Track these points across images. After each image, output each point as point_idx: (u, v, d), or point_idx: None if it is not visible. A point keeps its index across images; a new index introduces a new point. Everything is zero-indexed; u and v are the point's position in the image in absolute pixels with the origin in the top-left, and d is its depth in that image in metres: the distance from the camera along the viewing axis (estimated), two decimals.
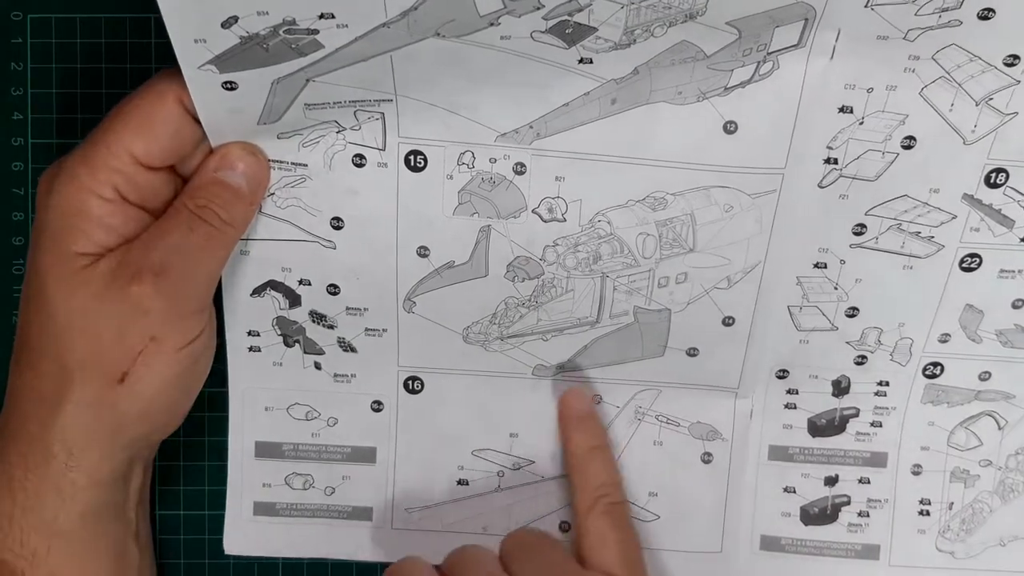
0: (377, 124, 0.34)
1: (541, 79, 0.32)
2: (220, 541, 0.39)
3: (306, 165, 0.35)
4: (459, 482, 0.39)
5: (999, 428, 0.39)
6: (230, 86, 0.31)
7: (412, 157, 0.34)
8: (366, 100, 0.33)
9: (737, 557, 0.40)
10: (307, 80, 0.31)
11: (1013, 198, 0.34)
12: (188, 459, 0.40)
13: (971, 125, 0.32)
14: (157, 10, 0.32)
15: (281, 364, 0.38)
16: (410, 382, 0.39)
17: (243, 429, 0.39)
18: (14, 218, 0.38)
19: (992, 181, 0.34)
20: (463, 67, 0.31)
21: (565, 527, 0.40)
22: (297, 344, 0.38)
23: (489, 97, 0.33)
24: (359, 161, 0.34)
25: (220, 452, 0.39)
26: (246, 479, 0.39)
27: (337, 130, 0.34)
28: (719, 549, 0.40)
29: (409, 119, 0.33)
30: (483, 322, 0.37)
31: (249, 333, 0.38)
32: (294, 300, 0.37)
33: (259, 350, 0.38)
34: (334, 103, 0.33)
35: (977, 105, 0.32)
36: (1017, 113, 0.32)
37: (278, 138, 0.34)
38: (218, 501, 0.39)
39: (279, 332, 0.38)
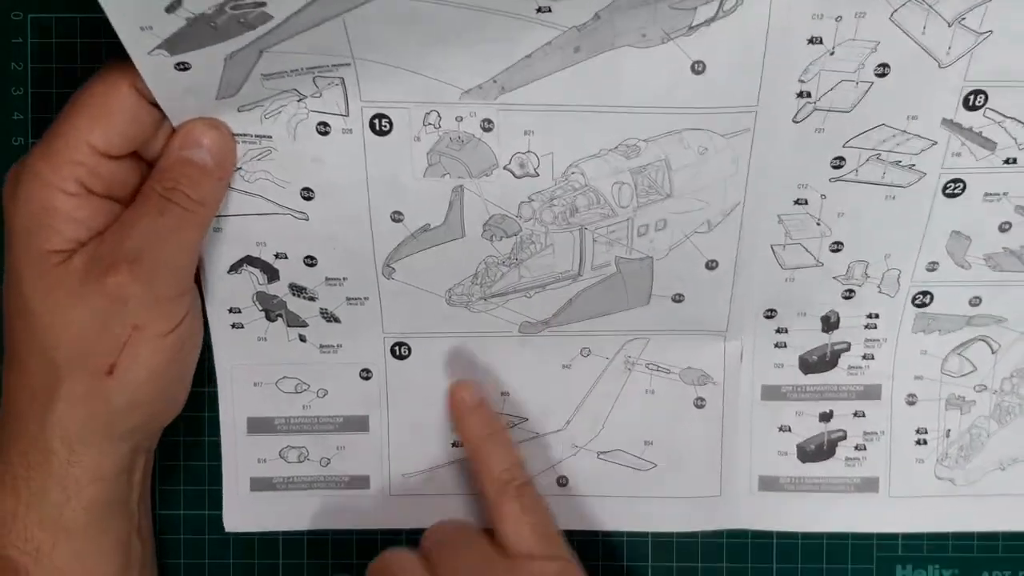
0: (338, 90, 0.33)
1: (500, 32, 0.31)
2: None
3: (270, 137, 0.34)
4: (454, 444, 0.40)
5: (992, 352, 0.39)
6: (183, 66, 0.30)
7: (377, 121, 0.34)
8: (323, 66, 0.32)
9: (737, 499, 0.40)
10: (260, 52, 0.30)
11: (993, 119, 0.33)
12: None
13: (945, 47, 0.32)
14: None
15: (265, 339, 0.38)
16: (397, 348, 0.38)
17: (233, 406, 0.39)
18: None
19: (971, 103, 0.33)
20: (418, 25, 0.31)
21: (563, 481, 0.40)
22: (280, 318, 0.38)
23: (449, 54, 0.32)
24: (323, 129, 0.34)
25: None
26: (240, 456, 0.39)
27: (298, 99, 0.33)
28: (718, 492, 0.40)
29: (370, 82, 0.33)
30: (465, 283, 0.37)
31: (230, 310, 0.38)
32: (272, 274, 0.37)
33: (242, 327, 0.38)
34: (291, 71, 0.32)
35: (950, 26, 0.31)
36: (992, 31, 0.32)
37: (239, 111, 0.34)
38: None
39: (260, 307, 0.38)
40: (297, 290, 0.37)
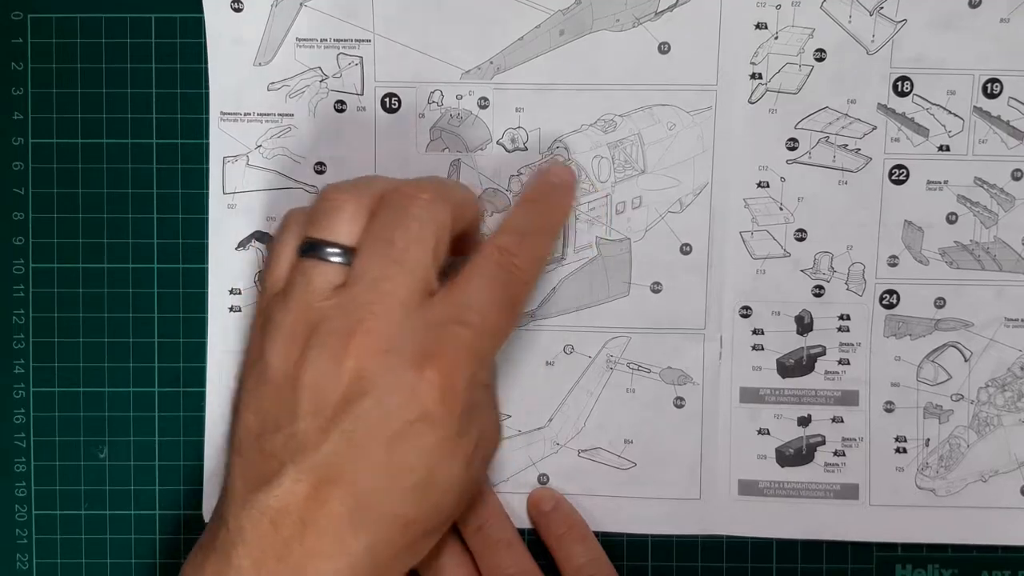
0: (356, 70, 0.41)
1: (499, 14, 0.39)
2: None
3: (292, 115, 0.41)
4: None
5: (965, 360, 0.42)
6: (237, 5, 0.38)
7: (387, 99, 0.41)
8: (348, 40, 0.40)
9: (716, 503, 0.41)
10: (301, 4, 0.38)
11: (922, 106, 0.40)
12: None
13: (870, 35, 0.40)
14: (157, 10, 0.40)
15: None
16: None
17: (220, 397, 0.41)
18: (14, 218, 0.41)
19: (900, 89, 0.40)
20: (433, 2, 0.39)
21: (544, 479, 0.41)
22: None
23: (455, 35, 0.40)
24: (340, 107, 0.41)
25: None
26: (225, 448, 0.41)
27: (320, 79, 0.41)
28: (698, 496, 0.41)
29: (385, 63, 0.40)
30: (457, 262, 0.41)
31: (231, 292, 0.42)
32: None
33: (239, 310, 0.42)
34: (320, 40, 0.40)
35: (871, 15, 0.39)
36: (906, 20, 0.40)
37: (268, 90, 0.41)
38: None
39: (260, 289, 0.42)
40: None
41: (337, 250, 0.34)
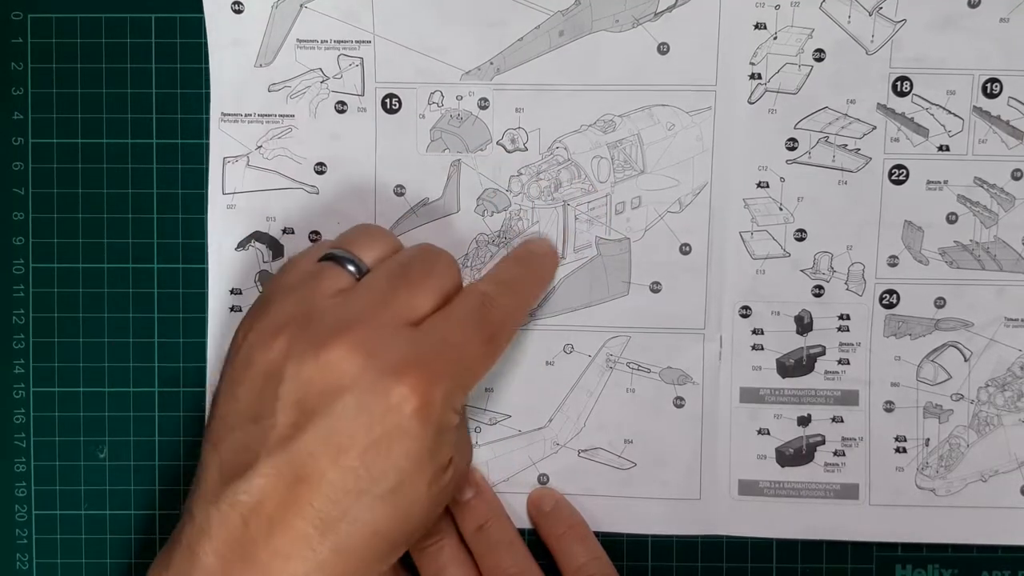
0: (357, 71, 0.42)
1: (499, 15, 0.40)
2: None
3: (293, 116, 0.42)
4: None
5: (965, 360, 0.43)
6: (237, 7, 0.39)
7: (388, 100, 0.42)
8: (348, 41, 0.41)
9: (716, 503, 0.41)
10: (301, 5, 0.39)
11: (921, 106, 0.41)
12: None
13: (869, 35, 0.40)
14: (157, 10, 0.41)
15: None
16: None
17: None
18: (14, 218, 0.42)
19: (899, 89, 0.41)
20: (434, 3, 0.40)
21: (544, 479, 0.42)
22: None
23: (455, 36, 0.41)
24: (340, 108, 0.42)
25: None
26: None
27: (321, 80, 0.42)
28: (698, 496, 0.42)
29: (385, 64, 0.41)
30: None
31: (231, 292, 0.43)
32: (277, 251, 0.43)
33: (240, 309, 0.43)
34: (321, 41, 0.41)
35: (870, 15, 0.40)
36: (905, 20, 0.40)
37: (269, 91, 0.42)
38: None
39: (261, 288, 0.43)
40: None
41: (354, 263, 0.35)
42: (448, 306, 0.36)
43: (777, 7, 0.40)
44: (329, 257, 0.36)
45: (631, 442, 0.42)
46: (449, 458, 0.35)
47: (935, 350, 0.42)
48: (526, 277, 0.40)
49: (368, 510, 0.32)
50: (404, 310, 0.34)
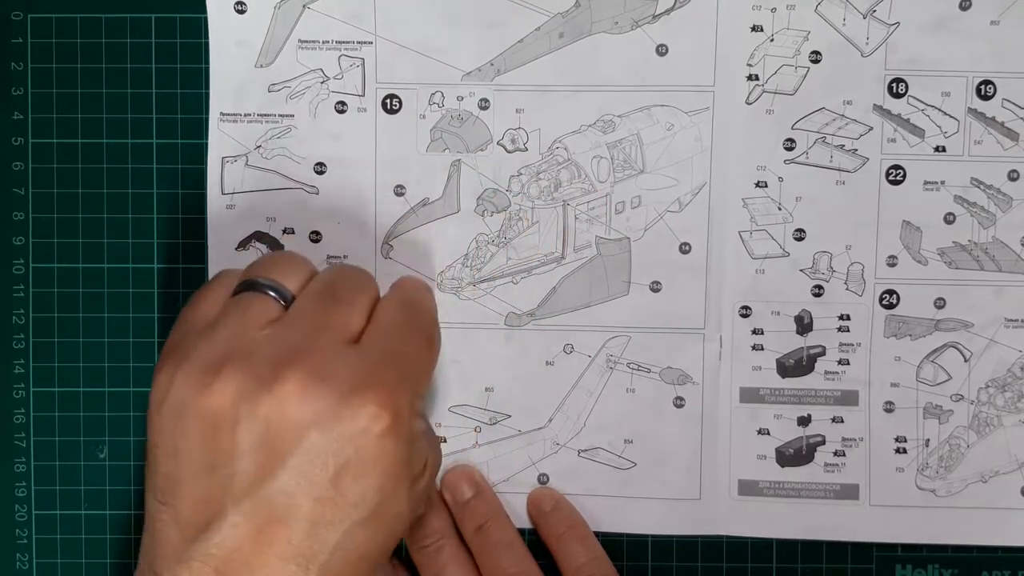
0: (358, 72, 0.42)
1: (500, 17, 0.41)
2: None
3: (292, 116, 0.43)
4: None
5: (965, 360, 0.43)
6: (241, 7, 0.40)
7: (388, 100, 0.42)
8: (350, 42, 0.42)
9: (716, 503, 0.42)
10: (304, 6, 0.40)
11: (917, 107, 0.42)
12: None
13: (864, 37, 0.41)
14: (157, 10, 0.41)
15: None
16: None
17: None
18: (14, 218, 0.43)
19: (895, 91, 0.42)
20: (435, 5, 0.41)
21: (544, 479, 0.43)
22: None
23: (456, 37, 0.42)
24: (341, 108, 0.42)
25: None
26: None
27: (321, 80, 0.42)
28: (698, 496, 0.42)
29: (386, 65, 0.42)
30: (456, 266, 0.43)
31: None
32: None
33: None
34: (323, 42, 0.41)
35: (865, 18, 0.41)
36: (899, 23, 0.41)
37: (269, 91, 0.42)
38: None
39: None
40: None
41: (277, 291, 0.34)
42: (377, 318, 0.35)
43: (773, 10, 0.41)
44: (247, 287, 0.35)
45: (631, 442, 0.43)
46: (424, 462, 0.35)
47: (935, 351, 0.43)
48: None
49: (350, 536, 0.32)
50: (342, 330, 0.34)
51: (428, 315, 0.38)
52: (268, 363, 0.32)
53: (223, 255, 0.43)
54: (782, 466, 0.43)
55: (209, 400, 0.31)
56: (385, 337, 0.35)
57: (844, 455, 0.43)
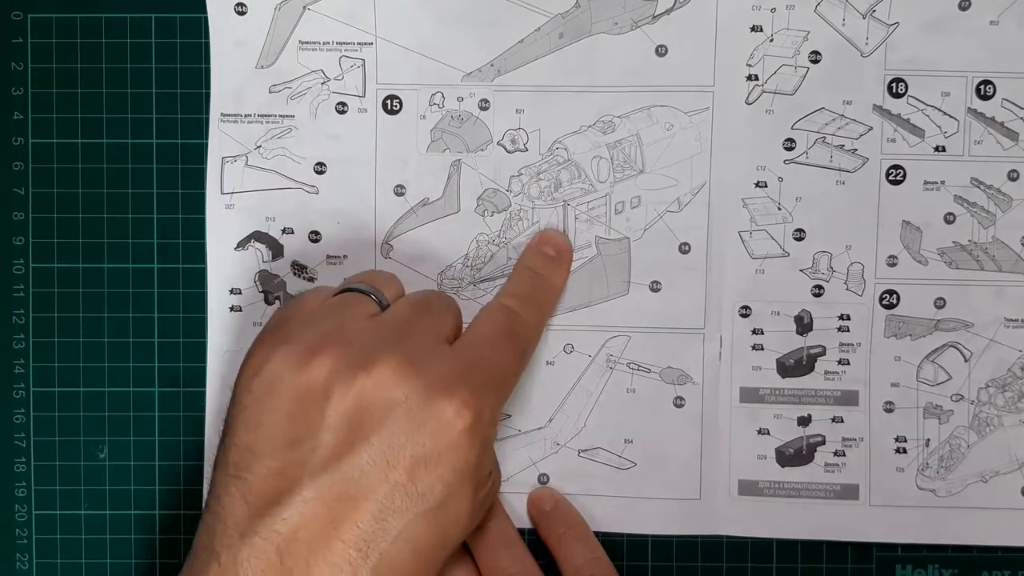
0: (358, 72, 0.43)
1: (500, 18, 0.42)
2: None
3: (293, 116, 0.43)
4: None
5: (965, 360, 0.44)
6: (241, 8, 0.40)
7: (389, 101, 0.43)
8: (350, 42, 0.42)
9: (716, 503, 0.43)
10: (304, 7, 0.41)
11: (916, 107, 0.42)
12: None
13: (863, 37, 0.42)
14: (157, 10, 0.42)
15: (261, 324, 0.44)
16: None
17: (221, 395, 0.43)
18: (15, 218, 0.43)
19: (895, 91, 0.42)
20: (435, 6, 0.41)
21: (544, 479, 0.43)
22: (277, 301, 0.44)
23: (456, 38, 0.42)
24: (341, 108, 0.43)
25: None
26: None
27: (322, 81, 0.43)
28: (698, 496, 0.43)
29: (386, 65, 0.43)
30: (456, 265, 0.43)
31: (231, 291, 0.44)
32: (277, 251, 0.44)
33: (240, 309, 0.44)
34: (323, 43, 0.42)
35: (864, 18, 0.42)
36: (898, 23, 0.42)
37: (270, 92, 0.43)
38: None
39: (260, 288, 0.44)
40: (299, 269, 0.44)
41: (377, 296, 0.37)
42: (476, 324, 0.38)
43: (773, 10, 0.42)
44: (348, 291, 0.37)
45: (631, 442, 0.43)
46: (489, 471, 0.36)
47: (935, 350, 0.44)
48: (543, 286, 0.42)
49: (412, 527, 0.32)
50: (437, 332, 0.36)
51: (528, 326, 0.40)
52: (366, 347, 0.34)
53: (223, 255, 0.43)
54: (782, 466, 0.43)
55: (305, 375, 0.33)
56: (480, 343, 0.37)
57: (844, 455, 0.43)
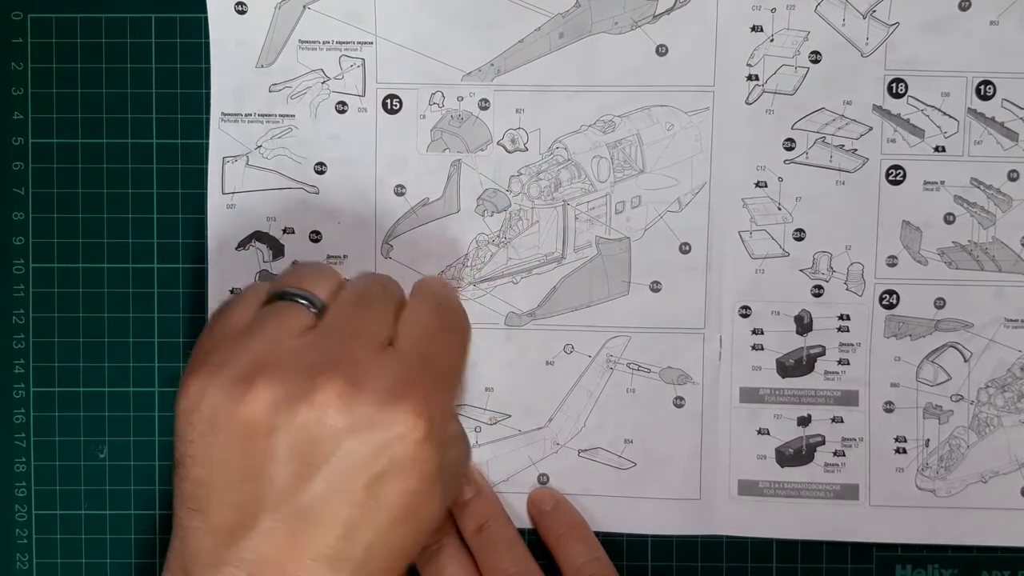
0: (358, 72, 0.43)
1: (499, 18, 0.42)
2: None
3: (293, 116, 0.44)
4: None
5: (965, 361, 0.44)
6: (241, 8, 0.41)
7: (389, 101, 0.43)
8: (350, 42, 0.43)
9: (716, 503, 0.43)
10: (304, 6, 0.41)
11: (916, 107, 0.43)
12: None
13: (864, 38, 0.42)
14: (157, 10, 0.42)
15: None
16: None
17: None
18: (14, 218, 0.43)
19: (895, 91, 0.43)
20: (435, 5, 0.42)
21: (544, 479, 0.44)
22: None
23: (456, 38, 0.43)
24: (341, 108, 0.43)
25: None
26: None
27: (322, 80, 0.43)
28: (698, 496, 0.43)
29: (386, 65, 0.43)
30: (456, 266, 0.44)
31: (232, 292, 0.44)
32: (277, 251, 0.44)
33: None
34: (323, 43, 0.42)
35: (864, 18, 0.42)
36: (899, 23, 0.42)
37: (270, 91, 0.43)
38: None
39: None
40: None
41: (309, 300, 0.35)
42: (409, 321, 0.36)
43: (773, 10, 0.42)
44: (278, 297, 0.35)
45: (631, 442, 0.44)
46: (456, 456, 0.36)
47: (935, 351, 0.44)
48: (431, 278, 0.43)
49: (384, 537, 0.32)
50: (376, 336, 0.34)
51: (459, 315, 0.39)
52: (304, 372, 0.32)
53: (223, 255, 0.44)
54: (782, 466, 0.44)
55: (245, 409, 0.32)
56: (419, 340, 0.35)
57: (844, 455, 0.44)
